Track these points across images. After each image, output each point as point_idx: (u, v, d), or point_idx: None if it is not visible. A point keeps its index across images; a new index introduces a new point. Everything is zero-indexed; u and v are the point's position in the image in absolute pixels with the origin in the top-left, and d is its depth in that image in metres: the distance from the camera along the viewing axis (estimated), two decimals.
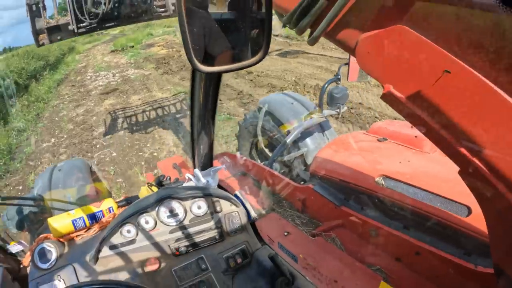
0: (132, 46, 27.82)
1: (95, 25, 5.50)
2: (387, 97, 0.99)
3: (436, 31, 0.85)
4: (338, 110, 4.27)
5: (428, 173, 2.93)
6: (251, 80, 12.55)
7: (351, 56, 3.63)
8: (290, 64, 14.36)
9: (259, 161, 5.17)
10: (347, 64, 3.76)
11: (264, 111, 4.77)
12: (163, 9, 5.91)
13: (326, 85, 4.21)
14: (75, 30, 5.40)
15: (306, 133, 4.40)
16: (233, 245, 2.06)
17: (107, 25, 5.68)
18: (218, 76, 1.81)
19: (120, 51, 27.17)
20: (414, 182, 2.83)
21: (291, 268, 1.88)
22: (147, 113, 11.30)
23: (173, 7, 5.79)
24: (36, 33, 5.30)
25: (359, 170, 3.15)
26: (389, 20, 0.93)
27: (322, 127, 4.56)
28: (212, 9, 1.18)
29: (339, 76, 4.15)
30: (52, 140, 10.10)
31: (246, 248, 2.07)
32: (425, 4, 0.87)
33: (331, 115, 4.39)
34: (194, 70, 1.81)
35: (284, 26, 1.14)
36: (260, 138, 4.89)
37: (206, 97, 1.95)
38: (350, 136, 3.84)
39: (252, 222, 2.14)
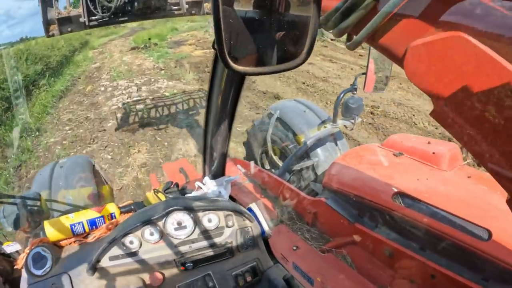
0: (157, 44, 23.70)
1: (107, 19, 5.46)
2: (437, 114, 0.87)
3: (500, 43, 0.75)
4: (352, 121, 4.18)
5: (446, 192, 2.83)
6: (370, 123, 8.29)
7: (368, 67, 3.55)
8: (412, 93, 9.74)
9: (267, 168, 5.09)
10: (364, 74, 3.66)
11: (275, 117, 4.68)
12: (176, 7, 5.87)
13: (341, 95, 4.12)
14: (86, 23, 5.38)
15: (317, 143, 4.33)
16: (243, 262, 1.95)
17: (119, 19, 5.64)
18: (241, 77, 1.68)
19: (142, 48, 22.99)
20: (432, 202, 2.72)
21: None
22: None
23: (186, 6, 5.77)
24: (47, 23, 5.27)
25: (375, 185, 3.05)
26: (446, 27, 0.82)
27: (334, 138, 4.50)
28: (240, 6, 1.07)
29: (356, 86, 4.05)
30: None
31: (257, 266, 1.95)
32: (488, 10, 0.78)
33: (345, 126, 4.30)
34: (215, 68, 1.73)
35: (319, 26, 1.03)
36: (269, 145, 4.82)
37: (225, 99, 1.83)
38: (364, 148, 3.75)
39: (265, 238, 2.02)
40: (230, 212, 1.89)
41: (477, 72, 0.76)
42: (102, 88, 14.25)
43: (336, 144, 4.47)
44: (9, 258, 1.92)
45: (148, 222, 1.77)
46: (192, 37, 24.39)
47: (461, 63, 0.79)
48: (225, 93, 1.79)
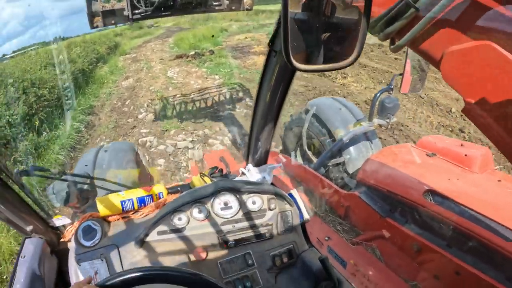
0: (212, 51, 16.40)
1: (149, 12, 5.56)
2: (468, 111, 1.00)
3: None
4: (388, 120, 4.20)
5: (476, 193, 2.88)
6: None
7: (405, 68, 3.59)
8: None
9: (301, 162, 5.15)
10: (401, 74, 3.71)
11: (312, 113, 4.76)
12: (217, 3, 5.94)
13: (378, 95, 4.16)
14: (130, 16, 5.46)
15: (351, 141, 4.36)
16: (281, 244, 2.04)
17: (161, 13, 5.74)
18: (291, 75, 1.80)
19: (193, 57, 15.89)
20: (462, 201, 2.78)
21: (339, 273, 1.86)
22: None
23: (227, 2, 5.83)
24: (92, 15, 5.37)
25: (407, 183, 3.11)
26: (478, 36, 0.94)
27: (367, 137, 4.53)
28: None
29: (392, 86, 4.07)
30: None
31: (293, 248, 2.05)
32: None
33: (380, 125, 4.34)
34: (268, 63, 1.82)
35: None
36: (304, 140, 4.88)
37: (275, 92, 1.92)
38: (398, 147, 3.79)
39: (302, 223, 2.13)
40: (273, 196, 1.99)
41: (502, 77, 0.90)
42: (145, 157, 6.87)
43: (370, 143, 4.50)
44: (56, 231, 2.00)
45: (198, 200, 1.88)
46: (254, 41, 18.62)
47: (489, 68, 0.93)
48: (275, 88, 1.89)
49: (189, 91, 11.25)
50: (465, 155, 3.25)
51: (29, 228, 1.78)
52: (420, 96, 8.74)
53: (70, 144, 8.16)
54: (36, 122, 8.30)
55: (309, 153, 5.01)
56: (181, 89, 11.59)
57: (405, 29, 1.10)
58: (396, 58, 12.23)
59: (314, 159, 4.95)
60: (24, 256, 1.73)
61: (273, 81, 1.87)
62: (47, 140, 8.03)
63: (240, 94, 10.44)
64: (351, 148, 4.40)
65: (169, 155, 7.14)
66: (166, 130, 8.41)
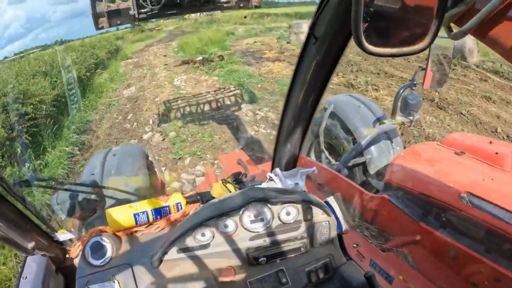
0: (222, 57, 16.00)
1: (156, 11, 5.46)
2: None
3: None
4: (411, 118, 4.09)
5: None
6: None
7: (428, 63, 3.46)
8: None
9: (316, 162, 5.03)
10: (424, 69, 3.57)
11: (329, 112, 4.63)
12: (225, 0, 5.86)
13: (401, 91, 4.04)
14: (136, 15, 5.39)
15: (372, 141, 4.24)
16: (316, 258, 1.87)
17: (169, 12, 5.64)
18: (330, 71, 1.61)
19: (201, 63, 15.33)
20: (500, 203, 2.61)
21: None
22: None
23: None
24: (96, 16, 5.30)
25: (440, 184, 2.95)
26: None
27: (388, 135, 4.41)
28: None
29: (415, 82, 3.96)
30: None
31: (329, 262, 1.88)
32: None
33: (403, 123, 4.21)
34: (303, 56, 1.63)
35: None
36: (322, 139, 4.76)
37: (310, 86, 1.72)
38: (425, 145, 3.66)
39: (339, 234, 1.94)
40: (309, 205, 1.81)
41: None
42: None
43: (391, 142, 4.39)
44: (62, 246, 1.88)
45: (224, 213, 1.70)
46: (265, 45, 17.92)
47: None
48: (311, 82, 1.69)
49: (201, 104, 10.27)
50: (496, 153, 3.09)
51: (30, 245, 1.62)
52: (461, 113, 8.35)
53: (60, 175, 6.96)
54: (18, 149, 7.35)
55: (327, 153, 4.87)
56: (191, 102, 10.59)
57: (470, 13, 0.92)
58: (419, 66, 11.82)
59: (331, 159, 4.83)
60: (26, 277, 1.63)
61: (309, 77, 1.66)
62: (33, 170, 7.09)
63: (263, 109, 9.46)
64: (372, 148, 4.27)
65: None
66: (180, 158, 7.26)
